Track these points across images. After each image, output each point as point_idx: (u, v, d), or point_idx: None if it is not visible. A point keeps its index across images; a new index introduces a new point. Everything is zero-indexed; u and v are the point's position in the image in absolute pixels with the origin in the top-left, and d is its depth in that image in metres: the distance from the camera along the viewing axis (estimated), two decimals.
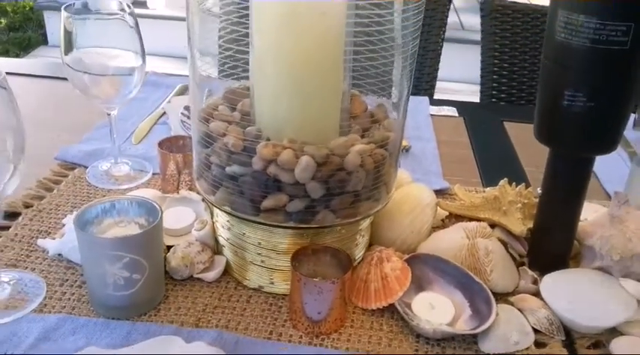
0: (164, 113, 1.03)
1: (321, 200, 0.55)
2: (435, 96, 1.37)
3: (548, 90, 0.59)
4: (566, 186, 0.63)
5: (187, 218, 0.68)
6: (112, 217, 0.58)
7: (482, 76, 1.41)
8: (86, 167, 0.83)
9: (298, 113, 0.56)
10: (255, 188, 0.55)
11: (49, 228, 0.70)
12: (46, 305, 0.58)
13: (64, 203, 0.75)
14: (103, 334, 0.54)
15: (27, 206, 0.73)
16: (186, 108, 1.04)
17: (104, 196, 0.77)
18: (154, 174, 0.83)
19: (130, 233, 0.56)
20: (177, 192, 0.73)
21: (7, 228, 0.69)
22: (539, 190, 0.65)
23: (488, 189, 0.77)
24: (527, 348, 0.57)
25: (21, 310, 0.57)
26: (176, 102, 1.06)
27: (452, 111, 1.15)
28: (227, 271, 0.64)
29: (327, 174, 0.54)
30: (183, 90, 1.13)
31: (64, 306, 0.58)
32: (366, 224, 0.64)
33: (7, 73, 0.53)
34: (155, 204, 0.57)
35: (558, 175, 0.63)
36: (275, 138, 0.55)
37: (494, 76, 1.40)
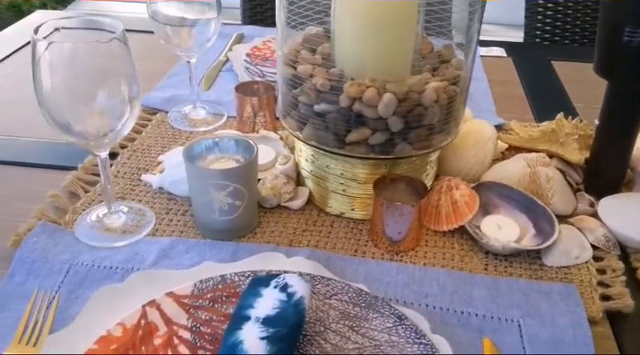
0: (227, 60, 1.09)
1: (400, 133, 0.61)
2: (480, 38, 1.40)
3: (608, 27, 0.64)
4: (623, 118, 0.68)
5: (268, 155, 0.75)
6: (214, 154, 0.65)
7: (526, 17, 1.43)
8: (166, 112, 0.90)
9: (377, 54, 0.62)
10: (340, 123, 0.62)
11: (146, 165, 0.77)
12: (157, 230, 0.66)
13: (153, 144, 0.82)
14: (212, 252, 0.62)
15: (122, 147, 0.81)
16: (248, 55, 1.10)
17: (187, 138, 0.84)
18: (228, 117, 0.90)
19: (233, 166, 0.63)
20: (257, 132, 0.80)
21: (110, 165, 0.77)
22: (596, 122, 0.70)
23: (543, 123, 0.82)
24: (586, 262, 0.63)
25: (137, 234, 0.65)
26: (237, 49, 1.12)
27: (500, 51, 1.19)
28: (310, 200, 0.71)
29: (406, 110, 0.60)
30: (240, 39, 1.19)
31: (173, 231, 0.66)
32: (435, 156, 0.70)
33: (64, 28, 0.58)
34: (251, 142, 0.64)
35: (615, 108, 0.68)
36: (356, 78, 0.61)
37: (539, 17, 1.42)
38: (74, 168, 0.75)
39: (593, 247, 0.64)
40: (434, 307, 0.57)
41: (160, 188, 0.72)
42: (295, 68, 0.63)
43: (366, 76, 0.60)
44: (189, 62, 0.85)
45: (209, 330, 0.52)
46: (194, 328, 0.53)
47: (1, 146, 0.82)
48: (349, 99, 0.60)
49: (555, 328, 0.55)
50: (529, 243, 0.64)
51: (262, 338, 0.46)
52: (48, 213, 0.68)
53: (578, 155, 0.73)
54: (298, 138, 0.66)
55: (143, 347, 0.50)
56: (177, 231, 0.66)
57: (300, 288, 0.51)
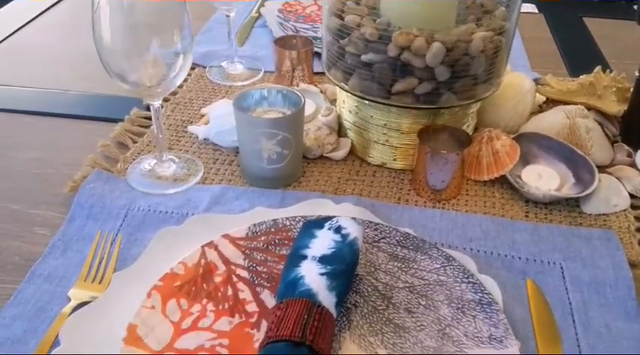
0: (259, 17, 1.10)
1: (445, 83, 0.63)
2: None
3: None
4: None
5: (309, 107, 0.76)
6: (262, 107, 0.67)
7: None
8: (204, 67, 0.92)
9: (423, 3, 0.63)
10: (387, 73, 0.63)
11: (190, 117, 0.79)
12: (206, 178, 0.68)
13: (194, 97, 0.84)
14: (261, 199, 0.64)
15: (165, 100, 0.83)
16: (280, 11, 1.10)
17: (227, 92, 0.86)
18: (265, 71, 0.91)
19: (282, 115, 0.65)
20: (297, 86, 0.81)
21: None
22: (637, 73, 0.71)
23: (580, 77, 0.82)
24: (624, 210, 0.65)
25: (187, 182, 0.67)
26: (269, 6, 1.12)
27: (532, 7, 1.18)
28: (352, 151, 0.73)
29: (453, 59, 0.61)
30: None
31: (222, 180, 0.68)
32: (476, 107, 0.71)
33: None
34: (298, 93, 0.66)
35: None
36: (402, 28, 0.62)
37: None
38: (120, 120, 0.78)
39: (631, 196, 0.66)
40: (478, 251, 0.59)
41: (205, 139, 0.75)
42: (343, 18, 0.64)
43: (412, 26, 0.61)
44: (228, 16, 0.86)
45: (265, 270, 0.55)
46: (251, 268, 0.55)
47: (49, 99, 0.84)
48: (397, 49, 0.61)
49: (597, 270, 0.57)
50: (569, 191, 0.65)
51: (322, 274, 0.49)
52: (100, 162, 0.70)
53: (616, 107, 0.74)
54: (344, 89, 0.68)
55: (205, 284, 0.53)
56: (226, 180, 0.68)
57: (353, 230, 0.53)
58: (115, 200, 0.64)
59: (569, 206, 0.65)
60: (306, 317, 0.45)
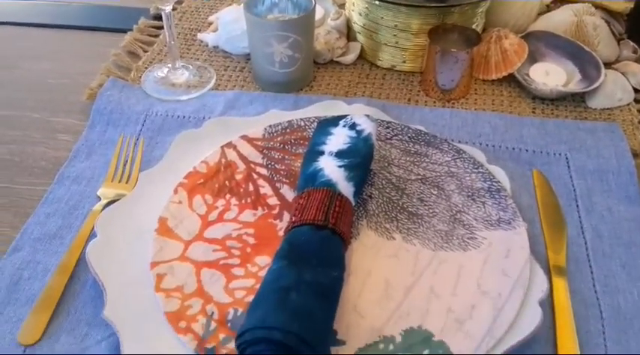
0: None
1: None
2: None
3: None
4: None
5: (318, 12, 0.76)
6: (272, 14, 0.67)
7: None
8: None
9: None
10: None
11: (198, 25, 0.80)
12: (219, 85, 0.70)
13: (201, 6, 0.84)
14: (274, 103, 0.66)
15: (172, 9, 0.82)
16: None
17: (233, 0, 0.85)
18: None
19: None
20: None
21: (161, 27, 0.79)
22: None
23: None
24: (628, 104, 0.66)
25: (201, 89, 0.68)
26: None
27: None
28: (361, 55, 0.73)
29: None
30: None
31: (234, 85, 0.70)
32: (485, 6, 0.71)
33: None
34: None
35: None
36: None
37: None
38: (129, 30, 0.78)
39: (635, 90, 0.67)
40: (487, 145, 0.61)
41: (215, 47, 0.75)
42: None
43: None
44: None
45: (283, 167, 0.57)
46: (269, 166, 0.58)
47: (55, 11, 0.84)
48: None
49: (600, 159, 0.59)
50: (575, 87, 0.67)
51: (340, 167, 0.51)
52: (114, 71, 0.71)
53: (622, 4, 0.74)
54: None
55: (227, 182, 0.56)
56: (238, 86, 0.70)
57: (367, 126, 0.55)
58: (132, 106, 0.65)
59: (575, 101, 0.67)
60: (327, 203, 0.47)
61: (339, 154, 0.53)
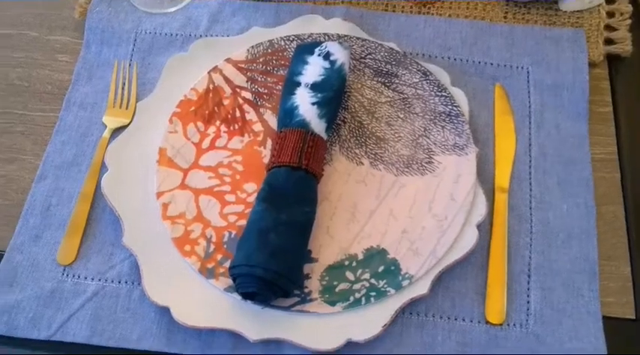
0: None
1: None
2: None
3: None
4: None
5: None
6: None
7: None
8: None
9: None
10: None
11: None
12: None
13: None
14: (256, 14, 0.69)
15: None
16: None
17: None
18: None
19: None
20: None
21: None
22: None
23: None
24: (599, 5, 0.68)
25: None
26: None
27: None
28: None
29: None
30: None
31: None
32: None
33: None
34: None
35: None
36: None
37: None
38: None
39: None
40: (455, 59, 0.66)
41: None
42: None
43: None
44: None
45: (266, 91, 0.63)
46: (253, 89, 0.63)
47: None
48: None
49: (558, 74, 0.64)
50: None
51: (313, 104, 0.57)
52: None
53: None
54: None
55: (215, 108, 0.62)
56: None
57: (340, 56, 0.60)
58: (122, 24, 0.69)
59: (547, 3, 0.69)
60: (301, 145, 0.55)
61: (314, 87, 0.59)
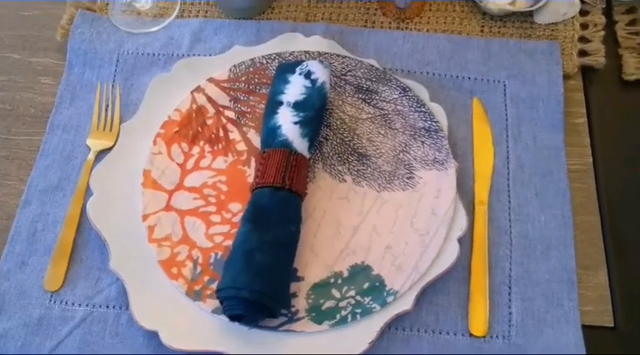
0: None
1: None
2: None
3: None
4: None
5: None
6: None
7: None
8: None
9: None
10: None
11: None
12: (184, 11, 0.72)
13: None
14: (238, 33, 0.70)
15: None
16: None
17: None
18: None
19: None
20: None
21: None
22: None
23: None
24: (573, 17, 0.70)
25: (167, 17, 0.71)
26: None
27: None
28: None
29: None
30: None
31: (199, 11, 0.72)
32: None
33: None
34: None
35: None
36: None
37: None
38: None
39: (582, 2, 0.71)
40: (433, 74, 0.67)
41: None
42: None
43: None
44: None
45: (248, 110, 0.64)
46: (236, 108, 0.64)
47: None
48: None
49: (533, 86, 0.65)
50: (524, 5, 0.70)
51: (295, 123, 0.58)
52: (80, 1, 0.73)
53: None
54: None
55: (199, 128, 0.63)
56: (202, 11, 0.72)
57: (321, 75, 0.61)
58: (104, 44, 0.69)
59: (522, 16, 0.71)
60: (284, 164, 0.56)
61: (296, 106, 0.60)
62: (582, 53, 0.69)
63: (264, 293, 0.50)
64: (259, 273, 0.50)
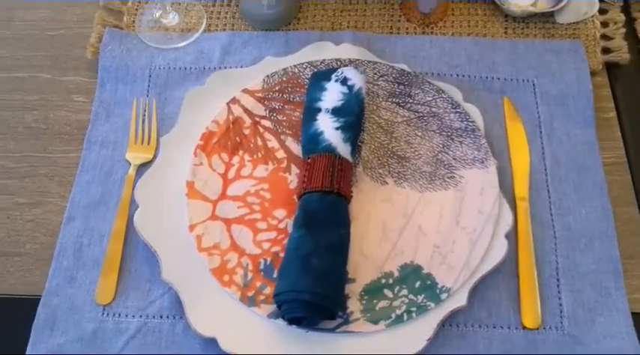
0: None
1: None
2: None
3: None
4: None
5: None
6: None
7: None
8: None
9: None
10: None
11: None
12: (210, 25, 0.73)
13: None
14: (267, 44, 0.71)
15: None
16: None
17: None
18: None
19: None
20: None
21: None
22: None
23: None
24: (592, 16, 0.72)
25: (195, 32, 0.72)
26: None
27: None
28: None
29: None
30: None
31: (225, 24, 0.73)
32: None
33: None
34: None
35: None
36: None
37: None
38: None
39: (600, 1, 0.73)
40: (463, 76, 0.68)
41: None
42: None
43: None
44: None
45: (284, 118, 0.65)
46: (272, 117, 0.65)
47: None
48: None
49: (563, 84, 0.67)
50: (545, 5, 0.72)
51: (337, 128, 0.59)
52: (107, 19, 0.74)
53: None
54: None
55: (237, 138, 0.64)
56: (229, 24, 0.73)
57: (357, 81, 0.62)
58: (135, 60, 0.70)
59: (544, 17, 0.72)
60: (331, 169, 0.56)
61: (335, 112, 0.60)
62: (605, 50, 0.70)
63: (325, 295, 0.50)
64: (318, 277, 0.51)
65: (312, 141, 0.59)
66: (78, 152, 0.65)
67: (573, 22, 0.72)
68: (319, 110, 0.61)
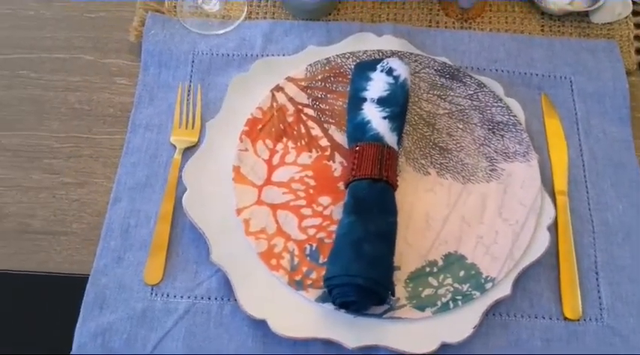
0: None
1: None
2: None
3: None
4: None
5: None
6: None
7: None
8: None
9: None
10: None
11: None
12: (251, 12, 0.74)
13: None
14: (308, 33, 0.71)
15: None
16: None
17: None
18: None
19: None
20: None
21: None
22: None
23: None
24: (626, 17, 0.73)
25: (235, 19, 0.73)
26: None
27: None
28: None
29: None
30: None
31: (266, 13, 0.74)
32: None
33: None
34: None
35: None
36: None
37: None
38: None
39: (634, 3, 0.74)
40: (502, 71, 0.69)
41: None
42: None
43: None
44: None
45: (327, 107, 0.66)
46: (315, 106, 0.66)
47: None
48: None
49: (599, 82, 0.68)
50: (582, 5, 0.73)
51: (384, 118, 0.60)
52: (148, 2, 0.74)
53: None
54: None
55: (281, 125, 0.65)
56: (270, 12, 0.74)
57: (402, 71, 0.63)
58: (178, 45, 0.71)
59: (579, 16, 0.74)
60: (379, 157, 0.57)
61: (380, 102, 0.61)
62: (638, 51, 0.72)
63: (377, 280, 0.51)
64: (370, 262, 0.52)
65: (359, 130, 0.60)
66: (122, 134, 0.65)
67: (607, 23, 0.73)
68: (365, 100, 0.62)
